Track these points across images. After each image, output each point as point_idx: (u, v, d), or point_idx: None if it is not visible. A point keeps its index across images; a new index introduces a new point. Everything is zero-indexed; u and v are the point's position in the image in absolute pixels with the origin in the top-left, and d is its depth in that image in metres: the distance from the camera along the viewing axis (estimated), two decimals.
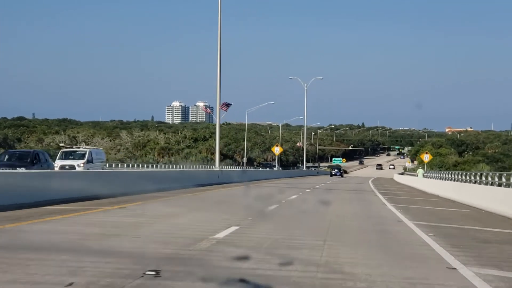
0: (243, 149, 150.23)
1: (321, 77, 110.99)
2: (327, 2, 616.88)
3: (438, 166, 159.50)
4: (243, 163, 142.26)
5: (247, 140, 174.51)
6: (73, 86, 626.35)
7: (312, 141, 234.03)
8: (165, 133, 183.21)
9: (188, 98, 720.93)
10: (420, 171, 75.51)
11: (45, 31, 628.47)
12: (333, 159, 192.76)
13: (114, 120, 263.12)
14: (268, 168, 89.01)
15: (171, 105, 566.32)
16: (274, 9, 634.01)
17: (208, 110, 54.67)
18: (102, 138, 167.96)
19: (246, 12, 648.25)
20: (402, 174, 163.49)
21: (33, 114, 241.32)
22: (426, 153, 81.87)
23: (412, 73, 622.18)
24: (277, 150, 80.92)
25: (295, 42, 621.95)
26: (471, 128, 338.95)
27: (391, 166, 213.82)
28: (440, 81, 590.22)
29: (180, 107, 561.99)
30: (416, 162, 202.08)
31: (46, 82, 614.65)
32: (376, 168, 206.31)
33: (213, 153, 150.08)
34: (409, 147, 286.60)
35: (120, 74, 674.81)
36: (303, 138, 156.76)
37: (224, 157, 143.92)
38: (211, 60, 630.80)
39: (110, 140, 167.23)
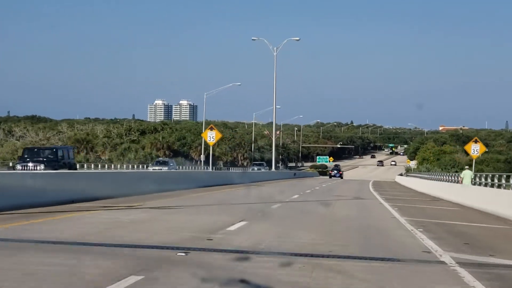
0: (205, 145, 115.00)
1: (297, 38, 75.56)
2: (323, 1, 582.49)
3: (449, 166, 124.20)
4: (199, 161, 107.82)
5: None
6: (57, 84, 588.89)
7: (295, 138, 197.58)
8: (116, 123, 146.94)
9: (172, 97, 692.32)
10: (467, 174, 39.84)
11: (33, 30, 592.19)
12: (317, 157, 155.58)
13: (88, 118, 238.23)
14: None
15: (154, 104, 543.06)
16: (272, 9, 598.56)
17: None
18: (36, 133, 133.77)
19: (245, 12, 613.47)
20: (401, 175, 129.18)
21: (8, 112, 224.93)
22: (476, 141, 45.63)
23: (403, 72, 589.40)
24: (210, 136, 42.03)
25: (292, 42, 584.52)
26: (463, 126, 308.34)
27: (393, 163, 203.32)
28: (433, 81, 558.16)
29: (163, 106, 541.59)
30: (415, 162, 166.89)
31: (31, 81, 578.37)
32: (377, 165, 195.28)
33: (160, 149, 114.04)
34: (404, 145, 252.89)
35: (104, 72, 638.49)
36: (277, 131, 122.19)
37: (174, 153, 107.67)
38: (195, 58, 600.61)
39: (52, 135, 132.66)
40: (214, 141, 44.33)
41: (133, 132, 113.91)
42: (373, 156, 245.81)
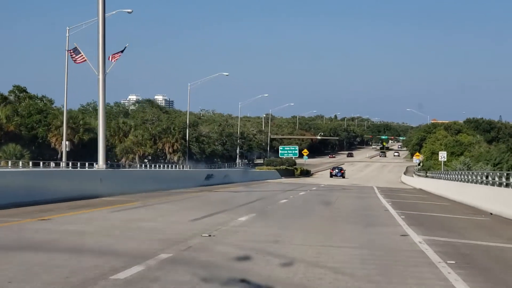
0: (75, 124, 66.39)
1: None
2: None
3: (494, 163, 75.37)
4: (60, 153, 59.26)
5: (128, 118, 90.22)
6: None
7: (263, 127, 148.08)
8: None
9: (147, 92, 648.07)
10: None
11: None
12: (280, 148, 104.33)
13: None
14: None
15: (127, 99, 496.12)
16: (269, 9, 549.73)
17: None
18: None
19: (243, 12, 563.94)
20: (405, 174, 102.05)
21: None
22: None
23: (393, 68, 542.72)
24: None
25: (289, 41, 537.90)
26: (456, 120, 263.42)
27: (396, 154, 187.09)
28: (424, 77, 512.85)
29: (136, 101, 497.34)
30: (422, 157, 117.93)
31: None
32: (380, 156, 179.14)
33: None
34: (400, 138, 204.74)
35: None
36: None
37: (10, 138, 57.65)
38: (171, 55, 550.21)
39: None
40: None
41: None
42: (350, 155, 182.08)
